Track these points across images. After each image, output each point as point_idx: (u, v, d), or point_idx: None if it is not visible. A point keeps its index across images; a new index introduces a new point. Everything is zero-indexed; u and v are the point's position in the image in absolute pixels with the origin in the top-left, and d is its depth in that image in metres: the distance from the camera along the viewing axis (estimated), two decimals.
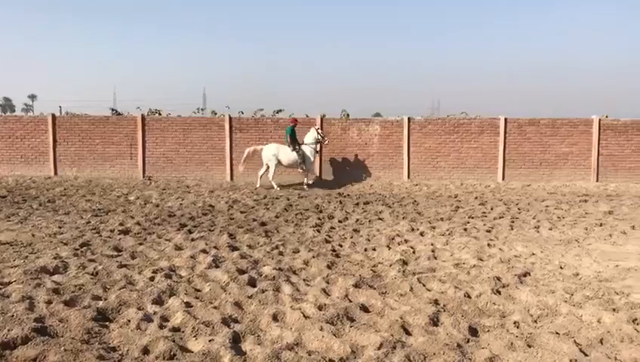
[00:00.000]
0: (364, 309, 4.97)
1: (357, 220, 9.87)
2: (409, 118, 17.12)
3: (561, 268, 6.60)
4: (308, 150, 15.52)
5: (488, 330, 4.51)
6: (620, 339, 4.31)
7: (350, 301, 5.21)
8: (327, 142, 16.15)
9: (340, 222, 9.71)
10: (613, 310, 4.98)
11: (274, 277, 5.94)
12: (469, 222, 9.75)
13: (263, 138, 17.23)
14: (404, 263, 6.69)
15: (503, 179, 16.78)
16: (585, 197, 13.43)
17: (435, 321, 4.63)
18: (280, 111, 17.99)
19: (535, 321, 4.76)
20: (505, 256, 7.15)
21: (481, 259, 6.94)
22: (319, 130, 15.92)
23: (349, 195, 13.74)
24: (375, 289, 5.62)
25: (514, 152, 16.89)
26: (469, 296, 5.38)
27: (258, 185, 15.30)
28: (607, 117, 16.82)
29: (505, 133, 16.88)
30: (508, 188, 15.62)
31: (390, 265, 6.61)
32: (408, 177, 16.97)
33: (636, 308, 5.03)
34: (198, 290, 5.53)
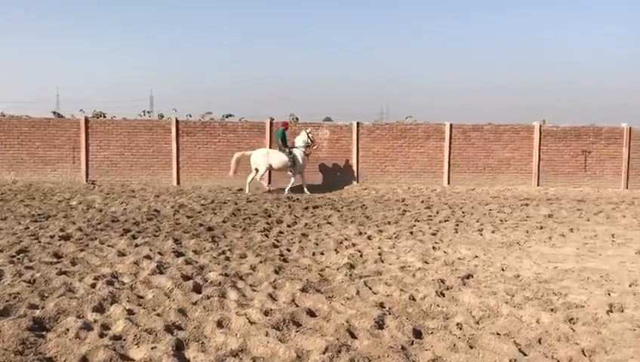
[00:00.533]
0: (311, 314, 4.96)
1: (306, 224, 9.88)
2: (358, 123, 17.28)
3: (502, 270, 6.78)
4: (299, 153, 15.54)
5: (432, 332, 4.57)
6: (557, 339, 4.45)
7: (297, 305, 5.20)
8: (316, 146, 16.27)
9: (288, 226, 9.69)
10: (551, 310, 5.14)
11: (220, 282, 5.86)
12: (415, 226, 9.90)
13: (210, 142, 17.07)
14: (352, 267, 6.73)
15: (449, 183, 17.15)
16: (526, 201, 13.87)
17: (380, 324, 4.67)
18: (229, 115, 17.85)
19: (477, 322, 4.86)
20: (449, 258, 7.30)
21: (427, 262, 7.06)
22: (310, 134, 15.92)
23: (298, 199, 13.73)
24: (322, 293, 5.63)
25: (459, 157, 17.30)
26: (413, 299, 5.45)
27: (247, 192, 15.10)
28: (544, 122, 17.45)
29: (450, 138, 17.27)
30: (453, 192, 15.97)
31: (337, 269, 6.63)
32: (357, 181, 17.11)
33: (572, 308, 5.22)
34: (141, 297, 5.39)
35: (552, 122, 17.60)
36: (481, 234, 9.22)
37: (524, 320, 4.88)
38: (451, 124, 17.34)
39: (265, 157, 15.34)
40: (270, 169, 15.65)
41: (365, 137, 17.31)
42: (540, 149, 17.28)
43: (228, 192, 15.01)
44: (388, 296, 5.56)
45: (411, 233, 9.19)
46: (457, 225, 10.11)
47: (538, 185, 17.18)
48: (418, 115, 18.05)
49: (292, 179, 15.62)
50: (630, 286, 6.07)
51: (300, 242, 8.28)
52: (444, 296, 5.58)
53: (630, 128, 17.37)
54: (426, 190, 16.24)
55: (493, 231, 9.44)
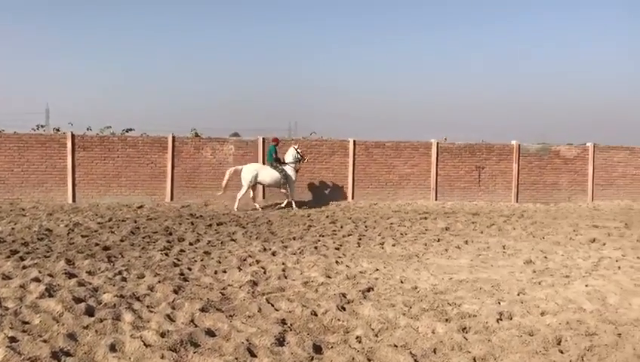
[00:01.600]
0: (210, 333, 4.84)
1: (209, 242, 9.68)
2: (264, 139, 17.26)
3: (401, 282, 6.97)
4: (289, 169, 15.51)
5: (332, 347, 4.60)
6: (451, 348, 4.62)
7: (196, 326, 5.05)
8: (306, 160, 16.28)
9: (190, 244, 9.45)
10: (446, 320, 5.35)
11: (114, 304, 5.59)
12: (319, 241, 9.99)
13: (109, 157, 16.40)
14: (254, 284, 6.66)
15: (353, 198, 17.50)
16: (425, 215, 14.42)
17: (280, 341, 4.64)
18: (130, 130, 17.26)
19: (376, 335, 4.95)
20: (351, 272, 7.41)
21: (329, 277, 7.12)
22: (298, 149, 15.86)
23: (202, 216, 13.46)
24: (223, 312, 5.51)
25: (362, 173, 17.72)
26: (315, 314, 5.47)
27: (236, 208, 14.88)
28: (445, 140, 18.30)
29: (354, 154, 17.65)
30: (357, 206, 16.30)
31: (240, 287, 6.53)
32: (264, 197, 17.03)
33: (466, 317, 5.45)
34: (27, 323, 5.03)
35: (449, 139, 18.48)
36: (383, 248, 9.46)
37: (421, 330, 5.03)
38: (355, 141, 17.75)
39: (252, 173, 15.16)
40: (262, 185, 15.67)
41: None
42: (437, 165, 18.06)
43: (127, 210, 14.44)
44: (290, 312, 5.54)
45: (316, 248, 9.25)
46: (360, 239, 10.32)
47: (436, 199, 17.92)
48: (327, 131, 18.37)
49: (288, 196, 15.65)
50: (518, 294, 6.43)
51: (201, 260, 8.09)
52: (345, 310, 5.65)
53: (519, 145, 18.56)
54: (331, 205, 16.47)
55: (393, 245, 9.71)
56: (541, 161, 18.65)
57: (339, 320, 5.30)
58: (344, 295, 6.16)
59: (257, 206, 15.38)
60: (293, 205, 15.47)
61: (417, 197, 17.90)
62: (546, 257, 8.77)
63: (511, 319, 5.46)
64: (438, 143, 18.14)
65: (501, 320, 5.39)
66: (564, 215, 15.18)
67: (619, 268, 8.00)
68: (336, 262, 8.12)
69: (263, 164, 16.59)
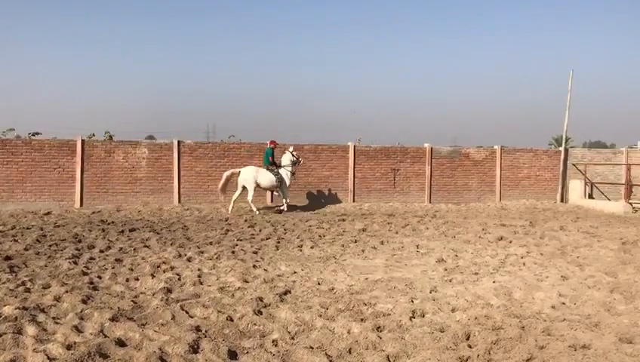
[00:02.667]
0: (121, 344, 4.66)
1: (121, 249, 9.32)
2: (179, 142, 16.88)
3: (318, 284, 7.02)
4: (284, 172, 15.63)
5: (247, 352, 4.56)
6: (366, 347, 4.70)
7: (105, 336, 4.85)
8: (302, 161, 16.43)
9: (101, 251, 9.06)
10: (361, 320, 5.43)
11: (16, 317, 5.26)
12: (237, 245, 9.87)
13: (12, 161, 15.55)
14: (168, 291, 6.48)
15: (272, 201, 17.45)
16: (343, 217, 14.61)
17: (195, 348, 4.54)
18: (37, 133, 16.36)
19: (292, 338, 4.95)
20: (269, 276, 7.38)
21: (246, 281, 7.05)
22: (293, 152, 15.93)
23: (113, 222, 12.95)
24: (134, 321, 5.32)
25: None
26: (231, 319, 5.40)
27: (230, 210, 15.15)
28: (359, 141, 18.65)
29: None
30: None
31: (153, 294, 6.33)
32: (179, 201, 16.66)
33: (380, 316, 5.57)
34: None
35: (366, 142, 18.86)
36: (301, 250, 9.48)
37: (336, 331, 5.07)
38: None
39: (253, 175, 15.28)
40: (258, 188, 15.66)
41: (187, 156, 16.96)
42: (354, 168, 18.37)
43: (33, 217, 13.67)
44: (205, 318, 5.43)
45: (233, 253, 9.13)
46: (279, 242, 10.30)
47: (354, 201, 18.21)
48: (247, 134, 18.25)
49: (284, 199, 15.73)
50: (431, 292, 6.65)
51: (113, 268, 7.77)
52: (261, 314, 5.61)
53: (432, 148, 19.22)
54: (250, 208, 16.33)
55: (312, 247, 9.76)
56: (452, 163, 19.40)
57: (255, 324, 5.26)
58: (261, 299, 6.12)
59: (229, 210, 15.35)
60: (285, 207, 15.73)
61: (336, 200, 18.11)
62: (456, 255, 9.12)
63: (423, 316, 5.63)
64: (355, 146, 18.45)
65: (414, 317, 5.54)
66: (474, 214, 15.87)
67: (524, 264, 8.45)
68: (254, 266, 8.06)
69: (179, 168, 16.28)
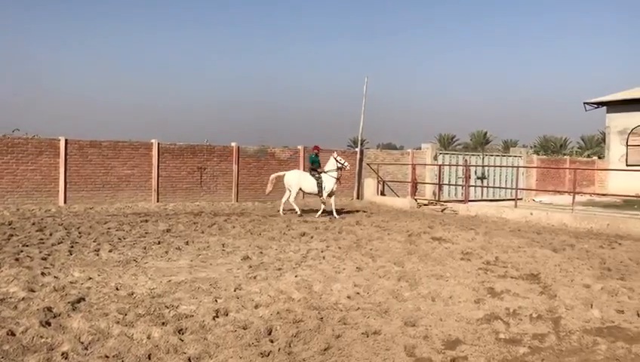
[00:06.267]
0: None
1: None
2: None
3: (117, 289, 6.61)
4: (327, 178, 15.59)
5: None
6: (167, 351, 4.53)
7: None
8: (348, 167, 16.42)
9: None
10: (163, 324, 5.23)
11: None
12: (22, 251, 8.88)
13: None
14: None
15: (65, 202, 16.10)
16: (146, 218, 13.99)
17: None
18: None
19: (86, 348, 4.58)
20: (60, 283, 6.75)
21: (33, 291, 6.37)
22: (338, 158, 15.78)
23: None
24: None
25: (76, 174, 16.42)
26: (12, 334, 4.82)
27: (281, 211, 15.66)
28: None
29: (66, 154, 16.25)
30: (70, 211, 15.01)
31: None
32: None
33: (182, 318, 5.42)
34: None
35: (172, 140, 18.34)
36: (98, 255, 8.86)
37: (135, 337, 4.82)
38: (67, 140, 16.34)
39: (297, 179, 15.72)
40: (300, 191, 15.96)
41: None
42: (159, 166, 17.73)
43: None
44: None
45: (17, 260, 8.18)
46: (72, 246, 9.50)
47: (158, 201, 17.57)
48: (36, 129, 16.53)
49: (322, 205, 15.65)
50: (235, 290, 6.65)
51: None
52: (50, 326, 5.10)
53: (239, 147, 19.34)
54: (39, 211, 14.84)
55: (110, 251, 9.17)
56: (259, 162, 19.75)
57: (42, 337, 4.76)
58: (50, 309, 5.57)
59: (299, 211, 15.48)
60: (328, 210, 15.58)
61: (138, 200, 17.31)
62: (261, 252, 9.28)
63: (227, 315, 5.61)
64: (159, 144, 17.82)
65: (217, 317, 5.50)
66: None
67: (323, 258, 8.89)
68: (42, 273, 7.31)
69: None
